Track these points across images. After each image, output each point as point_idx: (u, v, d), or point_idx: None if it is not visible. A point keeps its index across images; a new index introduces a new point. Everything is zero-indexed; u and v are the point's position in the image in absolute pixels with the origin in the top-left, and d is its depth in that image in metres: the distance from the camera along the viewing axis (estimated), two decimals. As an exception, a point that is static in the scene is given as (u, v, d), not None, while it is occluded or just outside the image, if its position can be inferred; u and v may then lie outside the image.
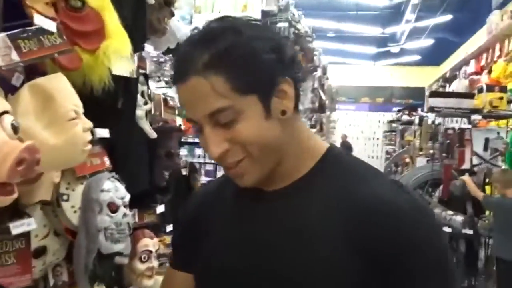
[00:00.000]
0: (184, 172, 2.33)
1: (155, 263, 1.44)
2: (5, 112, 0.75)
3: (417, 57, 13.08)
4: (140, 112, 1.44)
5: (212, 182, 0.83)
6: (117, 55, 1.19)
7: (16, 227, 0.91)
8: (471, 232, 3.46)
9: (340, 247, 0.61)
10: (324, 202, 0.65)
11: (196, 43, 0.64)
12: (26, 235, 1.00)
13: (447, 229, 3.56)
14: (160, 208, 1.64)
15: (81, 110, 0.99)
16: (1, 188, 0.68)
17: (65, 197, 1.10)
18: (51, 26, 0.95)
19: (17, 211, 1.01)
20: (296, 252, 0.63)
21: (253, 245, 0.67)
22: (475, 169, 4.00)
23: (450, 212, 3.64)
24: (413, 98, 12.45)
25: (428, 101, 4.84)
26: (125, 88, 1.36)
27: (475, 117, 4.19)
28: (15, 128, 0.75)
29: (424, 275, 0.60)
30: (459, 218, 3.54)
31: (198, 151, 5.30)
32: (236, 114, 0.62)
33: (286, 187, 0.69)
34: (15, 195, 0.71)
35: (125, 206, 1.19)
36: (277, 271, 0.64)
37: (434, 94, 4.87)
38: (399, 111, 9.40)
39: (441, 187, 3.96)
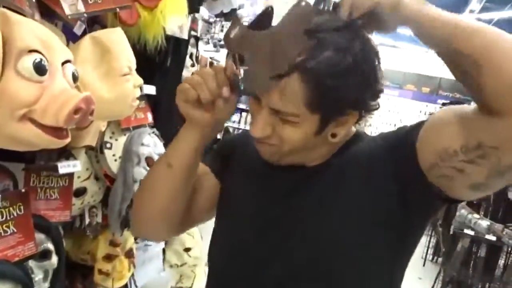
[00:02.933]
0: (219, 135, 2.39)
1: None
2: (68, 61, 0.80)
3: (473, 50, 12.40)
4: (186, 73, 1.48)
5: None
6: (173, 15, 1.22)
7: (64, 167, 0.98)
8: (494, 238, 3.40)
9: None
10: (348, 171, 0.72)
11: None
12: (70, 175, 1.08)
13: (469, 232, 3.50)
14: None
15: (134, 66, 1.03)
16: (57, 132, 0.74)
17: (108, 145, 1.17)
18: (116, -19, 0.98)
19: (64, 152, 1.09)
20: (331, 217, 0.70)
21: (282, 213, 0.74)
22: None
23: (476, 216, 3.56)
24: (461, 92, 11.91)
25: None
26: (175, 48, 1.39)
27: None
28: (75, 77, 0.80)
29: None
30: (485, 223, 3.47)
31: (234, 117, 5.36)
32: (294, 121, 0.66)
33: (317, 166, 0.75)
34: (68, 139, 0.77)
35: (161, 162, 1.25)
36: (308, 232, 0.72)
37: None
38: (443, 104, 9.06)
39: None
